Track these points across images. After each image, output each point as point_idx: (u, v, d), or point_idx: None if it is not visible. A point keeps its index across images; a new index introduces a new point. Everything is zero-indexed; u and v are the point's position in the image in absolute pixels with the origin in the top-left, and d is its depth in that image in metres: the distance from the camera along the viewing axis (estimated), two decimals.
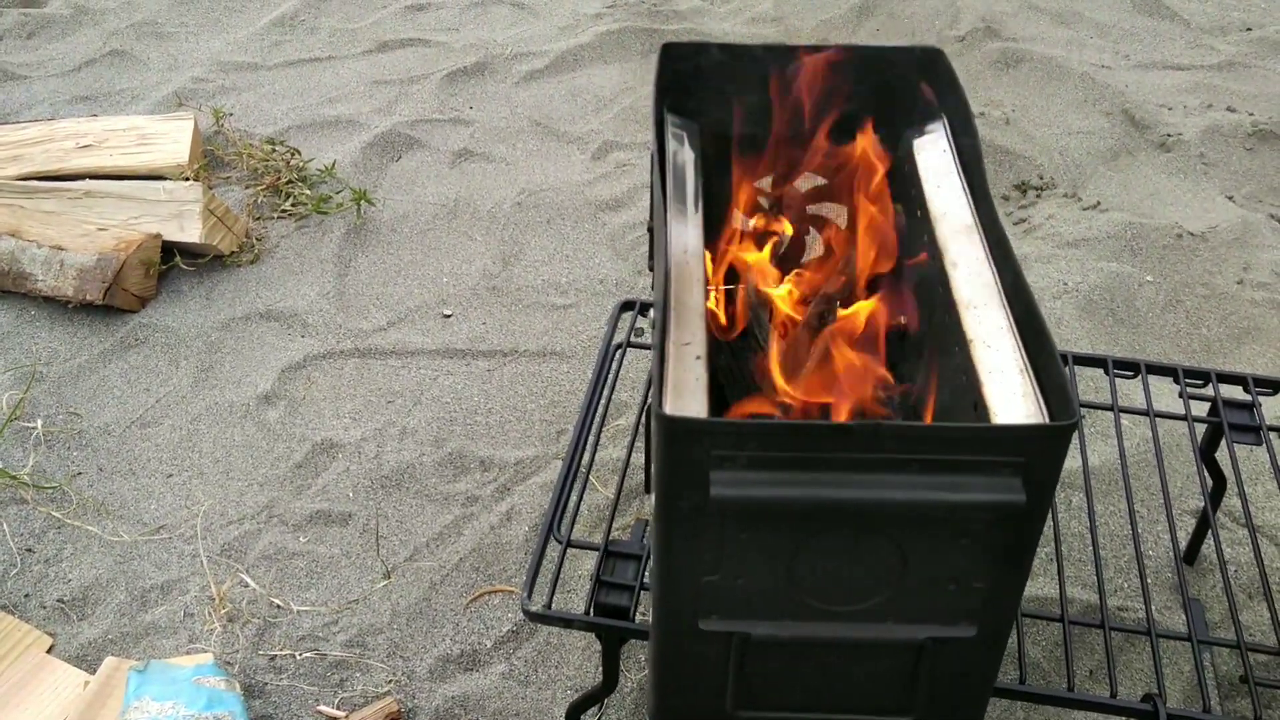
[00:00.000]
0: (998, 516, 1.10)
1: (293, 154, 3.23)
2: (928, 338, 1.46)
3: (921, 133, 1.61)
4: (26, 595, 2.05)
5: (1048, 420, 1.15)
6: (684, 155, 1.58)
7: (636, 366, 2.44)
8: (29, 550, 2.13)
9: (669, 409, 1.16)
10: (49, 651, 1.94)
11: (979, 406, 1.21)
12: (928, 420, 1.40)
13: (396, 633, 1.99)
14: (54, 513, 2.21)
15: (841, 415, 1.35)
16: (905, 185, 1.59)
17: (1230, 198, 3.23)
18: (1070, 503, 2.20)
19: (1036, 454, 1.07)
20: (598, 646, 1.88)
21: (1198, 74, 3.90)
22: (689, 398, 1.19)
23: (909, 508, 1.10)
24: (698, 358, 1.24)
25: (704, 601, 1.19)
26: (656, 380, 1.16)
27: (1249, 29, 4.25)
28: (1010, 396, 1.19)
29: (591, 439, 1.75)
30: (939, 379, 1.40)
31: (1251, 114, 3.59)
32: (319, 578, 2.09)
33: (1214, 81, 3.84)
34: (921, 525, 1.13)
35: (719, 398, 1.54)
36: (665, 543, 1.16)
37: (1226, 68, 3.95)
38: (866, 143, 1.54)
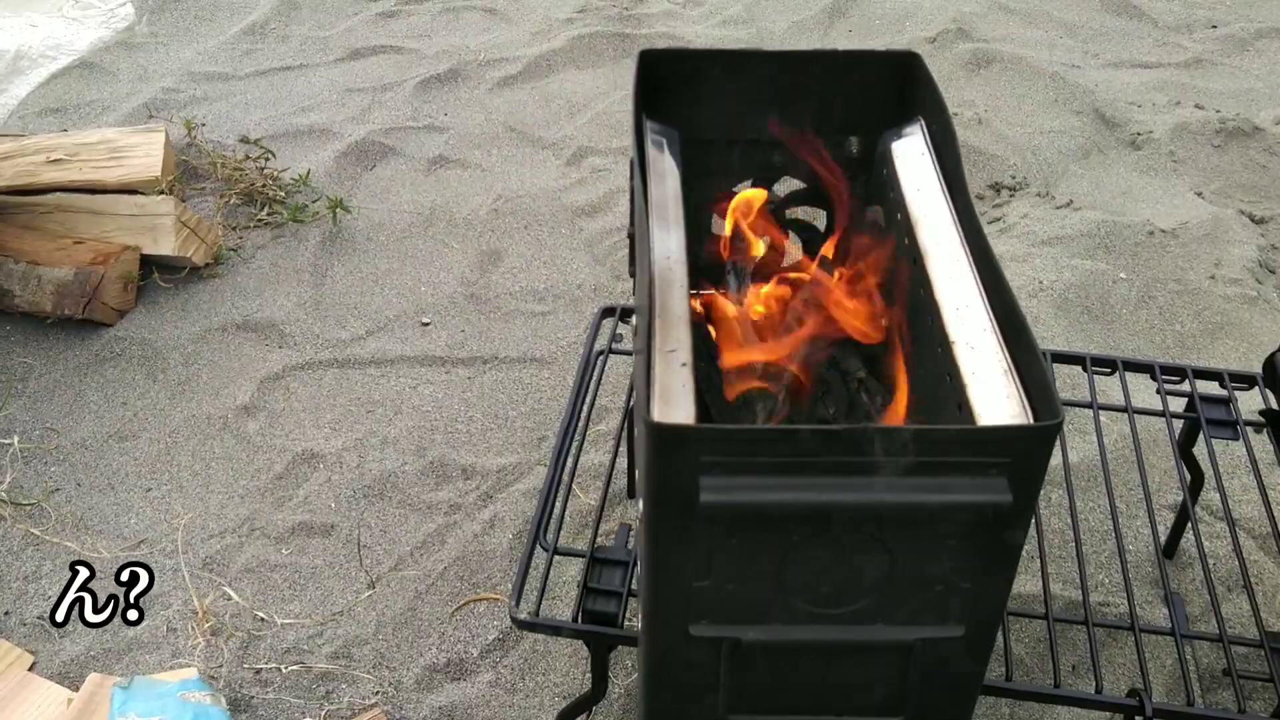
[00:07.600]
0: (984, 517, 1.11)
1: (265, 155, 3.20)
2: (909, 340, 1.47)
3: (899, 135, 1.62)
4: (6, 613, 2.03)
5: (1032, 420, 1.16)
6: (664, 161, 1.59)
7: (616, 372, 2.44)
8: (7, 567, 2.11)
9: (657, 416, 1.16)
10: (30, 669, 1.92)
11: (963, 408, 1.21)
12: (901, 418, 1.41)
13: (382, 643, 1.98)
14: (32, 529, 2.19)
15: None
16: (884, 188, 1.60)
17: (1200, 194, 3.26)
18: (1050, 499, 2.22)
19: (1022, 454, 1.07)
20: (585, 653, 1.89)
21: (1165, 72, 3.95)
22: (676, 404, 1.20)
23: (896, 510, 1.11)
24: (683, 364, 1.24)
25: (694, 607, 1.19)
26: (644, 387, 1.17)
27: (1214, 26, 4.31)
28: (994, 397, 1.20)
29: (575, 446, 1.75)
30: (922, 381, 1.40)
31: (1219, 111, 3.63)
32: (302, 589, 2.08)
33: (1181, 79, 3.89)
34: (908, 527, 1.13)
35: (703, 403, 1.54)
36: (654, 549, 1.16)
37: (1193, 65, 4.00)
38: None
